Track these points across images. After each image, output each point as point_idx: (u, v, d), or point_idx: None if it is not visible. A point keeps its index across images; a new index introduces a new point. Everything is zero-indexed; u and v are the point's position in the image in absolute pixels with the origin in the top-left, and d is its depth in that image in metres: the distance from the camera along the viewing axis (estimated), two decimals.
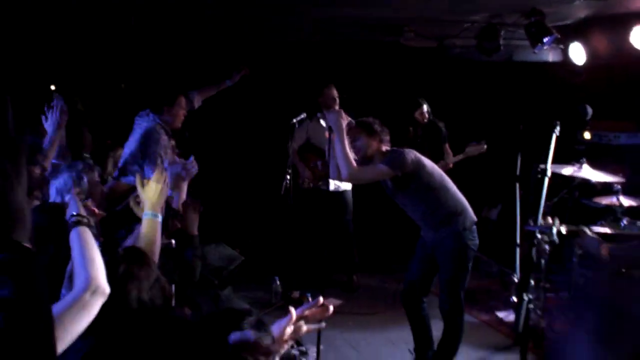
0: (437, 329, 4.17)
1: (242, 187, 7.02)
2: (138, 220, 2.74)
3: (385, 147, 4.00)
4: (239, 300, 4.45)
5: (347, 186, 5.86)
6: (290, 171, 5.40)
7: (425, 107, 6.06)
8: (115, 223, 3.13)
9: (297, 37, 6.26)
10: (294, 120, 5.38)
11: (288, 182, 5.48)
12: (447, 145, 6.07)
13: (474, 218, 4.00)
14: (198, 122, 6.92)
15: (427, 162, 3.96)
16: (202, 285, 5.18)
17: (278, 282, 5.62)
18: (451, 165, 5.91)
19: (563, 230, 3.97)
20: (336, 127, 3.85)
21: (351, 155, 3.81)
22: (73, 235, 2.06)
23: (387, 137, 4.03)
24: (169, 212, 3.42)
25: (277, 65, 6.86)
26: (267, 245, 6.53)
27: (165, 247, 3.40)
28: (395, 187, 3.96)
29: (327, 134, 4.01)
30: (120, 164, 4.59)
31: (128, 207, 2.94)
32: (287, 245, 5.93)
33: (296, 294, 5.61)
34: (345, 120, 3.91)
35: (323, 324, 1.98)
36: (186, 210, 3.50)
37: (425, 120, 6.08)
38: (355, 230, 6.12)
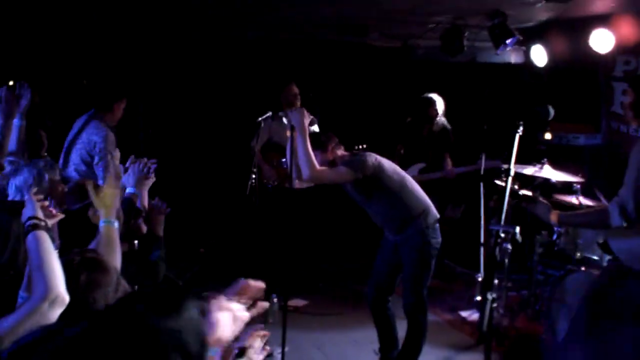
0: (402, 329, 4.18)
1: (207, 187, 6.95)
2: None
3: (341, 152, 4.03)
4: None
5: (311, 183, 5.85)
6: (255, 170, 5.36)
7: (438, 104, 5.94)
8: (73, 224, 3.05)
9: (264, 36, 6.23)
10: (260, 119, 5.34)
11: (253, 181, 5.45)
12: (447, 154, 6.00)
13: (437, 215, 4.03)
14: (161, 120, 6.84)
15: (388, 165, 3.97)
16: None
17: None
18: (454, 175, 5.88)
19: (520, 193, 4.08)
20: (299, 126, 3.82)
21: (313, 155, 3.79)
22: (30, 239, 2.00)
23: (336, 141, 4.04)
24: (133, 213, 3.35)
25: (243, 64, 6.82)
26: (232, 246, 6.47)
27: (128, 250, 3.33)
28: (356, 190, 3.97)
29: (288, 132, 3.98)
30: (65, 163, 4.53)
31: (86, 206, 2.88)
32: (252, 246, 5.89)
33: None
34: (307, 118, 3.90)
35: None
36: (152, 211, 3.43)
37: (438, 116, 5.95)
38: (320, 230, 6.09)
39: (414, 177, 5.79)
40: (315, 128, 5.54)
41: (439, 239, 4.01)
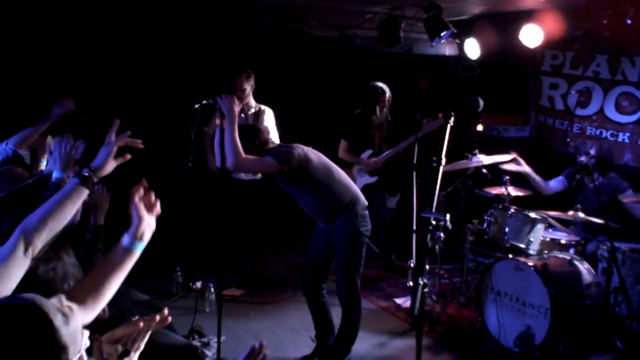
0: (337, 316, 4.23)
1: (143, 173, 6.78)
2: (23, 208, 2.53)
3: (272, 144, 4.04)
4: (138, 292, 4.30)
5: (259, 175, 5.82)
6: (192, 158, 5.28)
7: (387, 95, 5.89)
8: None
9: (203, 20, 6.10)
10: (196, 106, 5.26)
11: (189, 168, 5.36)
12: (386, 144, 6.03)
13: (365, 203, 4.09)
14: (93, 107, 6.63)
15: (314, 156, 3.97)
16: None
17: (179, 273, 5.50)
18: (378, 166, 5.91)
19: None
20: (228, 114, 3.82)
21: (239, 144, 3.79)
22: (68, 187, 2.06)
23: (265, 137, 4.05)
24: None
25: (178, 49, 6.68)
26: (168, 235, 6.36)
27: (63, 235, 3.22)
28: (285, 181, 3.98)
29: (217, 120, 3.97)
30: None
31: (11, 194, 2.75)
32: (189, 235, 5.80)
33: (198, 284, 5.52)
34: (237, 106, 3.89)
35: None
36: (97, 199, 3.32)
37: (385, 108, 5.92)
38: (258, 217, 6.06)
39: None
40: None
41: (369, 227, 4.07)
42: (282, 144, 4.01)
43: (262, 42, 6.60)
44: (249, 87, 5.54)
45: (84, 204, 3.20)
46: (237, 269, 6.03)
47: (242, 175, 5.70)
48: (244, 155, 3.79)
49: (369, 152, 6.02)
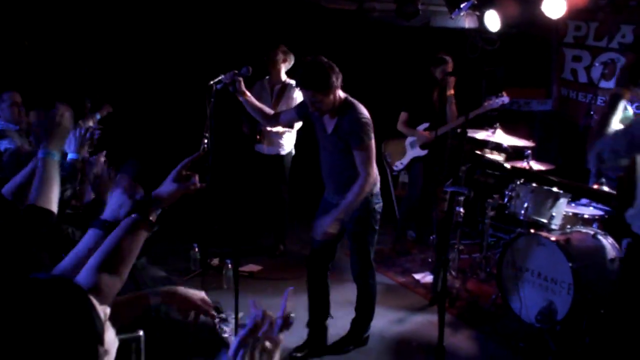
0: (353, 293, 4.17)
1: (159, 149, 6.78)
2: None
3: (341, 94, 3.77)
4: (155, 269, 4.29)
5: (284, 151, 5.76)
6: (207, 134, 5.25)
7: (449, 65, 5.69)
8: None
9: None
10: (212, 82, 5.21)
11: (206, 145, 5.33)
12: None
13: (378, 183, 3.96)
14: (108, 84, 6.61)
15: None
16: None
17: (197, 249, 5.49)
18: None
19: None
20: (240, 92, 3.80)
21: (264, 107, 3.82)
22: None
23: (340, 79, 3.74)
24: (77, 179, 3.23)
25: (193, 23, 6.60)
26: (186, 212, 6.36)
27: (73, 214, 3.21)
28: (334, 139, 3.81)
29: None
30: None
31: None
32: (206, 211, 5.78)
33: (215, 261, 5.52)
34: (240, 82, 3.82)
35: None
36: (99, 177, 3.30)
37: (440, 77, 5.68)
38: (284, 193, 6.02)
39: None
40: None
41: (381, 204, 3.97)
42: (348, 99, 3.80)
43: (276, 16, 6.51)
44: (280, 62, 5.52)
45: (95, 185, 3.23)
46: (256, 245, 6.03)
47: (266, 150, 5.67)
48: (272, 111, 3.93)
49: (425, 124, 5.77)
